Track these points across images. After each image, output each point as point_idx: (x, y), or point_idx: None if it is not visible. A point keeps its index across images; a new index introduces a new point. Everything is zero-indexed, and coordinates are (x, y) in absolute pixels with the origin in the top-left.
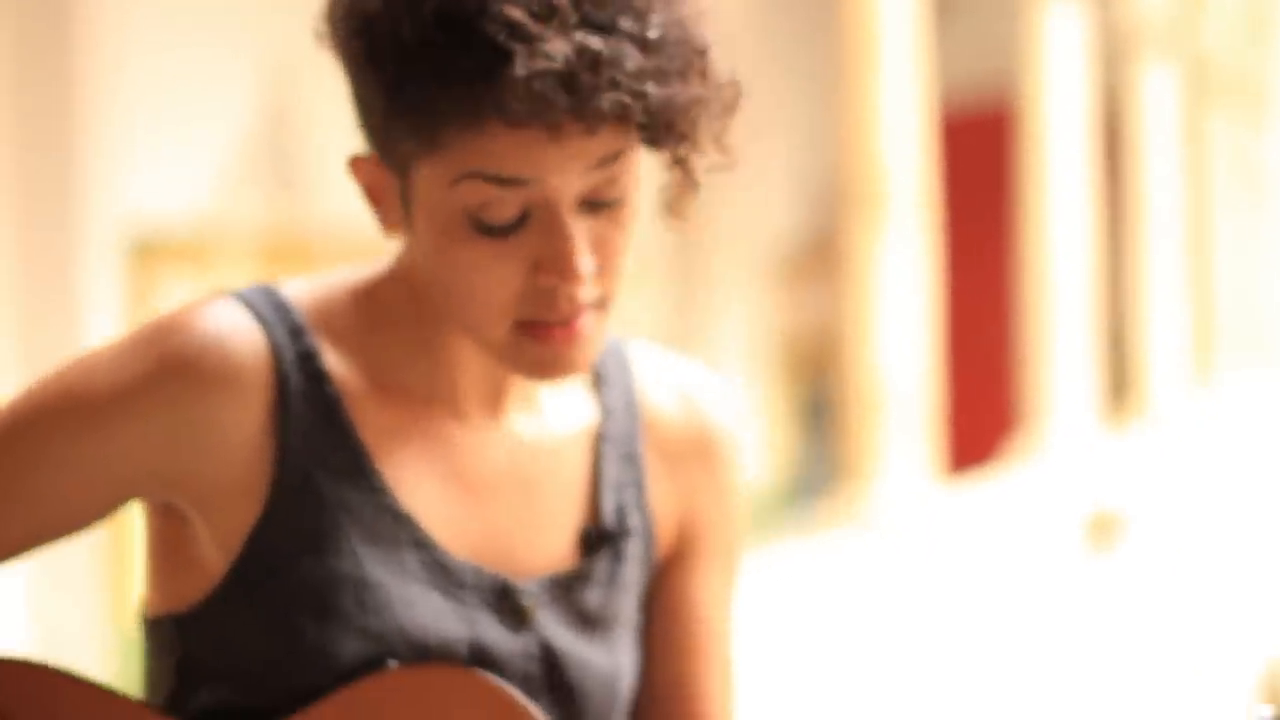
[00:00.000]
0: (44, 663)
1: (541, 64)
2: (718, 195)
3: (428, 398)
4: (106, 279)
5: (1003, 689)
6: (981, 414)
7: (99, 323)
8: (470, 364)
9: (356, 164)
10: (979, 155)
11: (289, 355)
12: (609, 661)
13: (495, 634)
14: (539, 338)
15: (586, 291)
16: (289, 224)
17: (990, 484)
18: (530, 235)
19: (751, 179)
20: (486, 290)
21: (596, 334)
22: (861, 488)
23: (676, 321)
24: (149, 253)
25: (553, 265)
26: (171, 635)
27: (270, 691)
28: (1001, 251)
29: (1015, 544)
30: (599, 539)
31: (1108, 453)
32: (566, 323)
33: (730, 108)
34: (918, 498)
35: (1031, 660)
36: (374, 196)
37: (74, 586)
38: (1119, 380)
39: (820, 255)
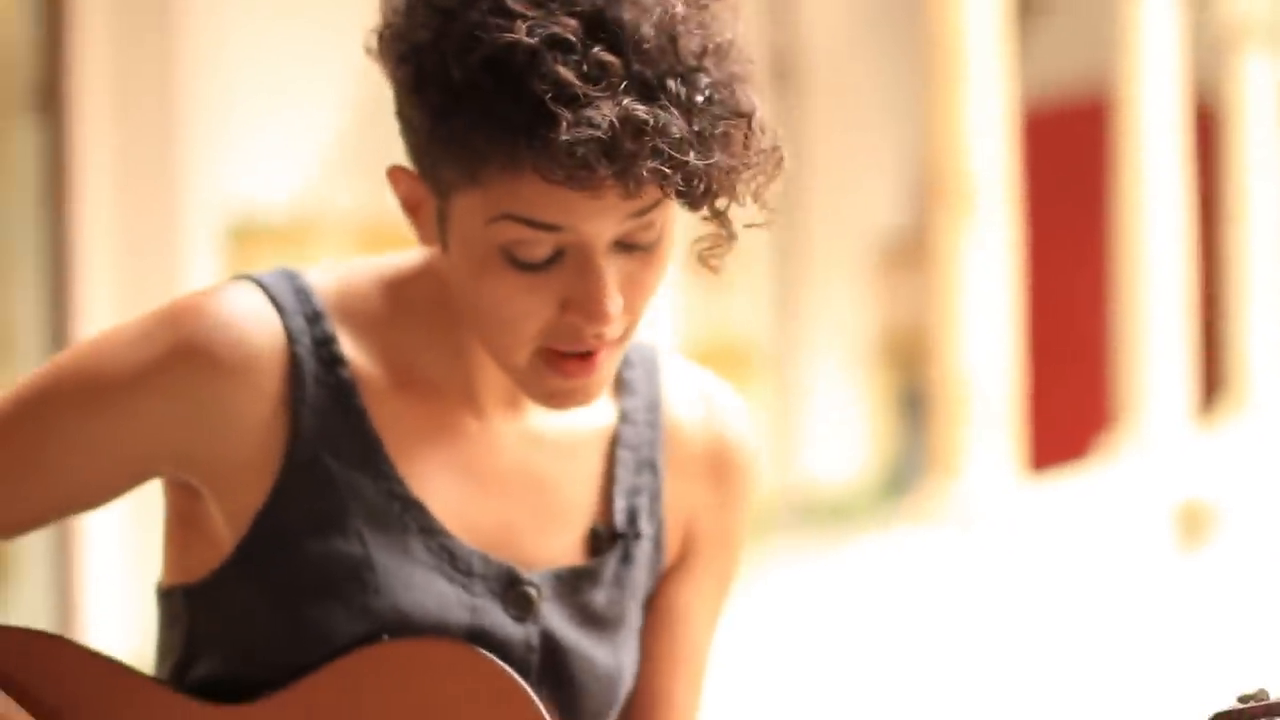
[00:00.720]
0: (46, 631)
1: (585, 132)
2: (819, 188)
3: (445, 390)
4: (206, 262)
5: (1091, 684)
6: (1074, 410)
7: None
8: (491, 362)
9: (395, 175)
10: (1074, 148)
11: (305, 340)
12: (612, 661)
13: (498, 621)
14: (557, 369)
15: (612, 330)
16: (384, 211)
17: (1081, 479)
18: (562, 273)
19: (853, 173)
20: (514, 320)
21: (610, 366)
22: (946, 484)
23: (778, 313)
24: (248, 237)
25: (582, 305)
26: (180, 606)
27: (270, 665)
28: (1097, 245)
29: (1105, 539)
30: (608, 539)
31: (1201, 447)
32: (586, 356)
33: (772, 175)
34: (1002, 494)
35: (1121, 655)
36: (411, 208)
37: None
38: (1216, 377)
39: (919, 248)
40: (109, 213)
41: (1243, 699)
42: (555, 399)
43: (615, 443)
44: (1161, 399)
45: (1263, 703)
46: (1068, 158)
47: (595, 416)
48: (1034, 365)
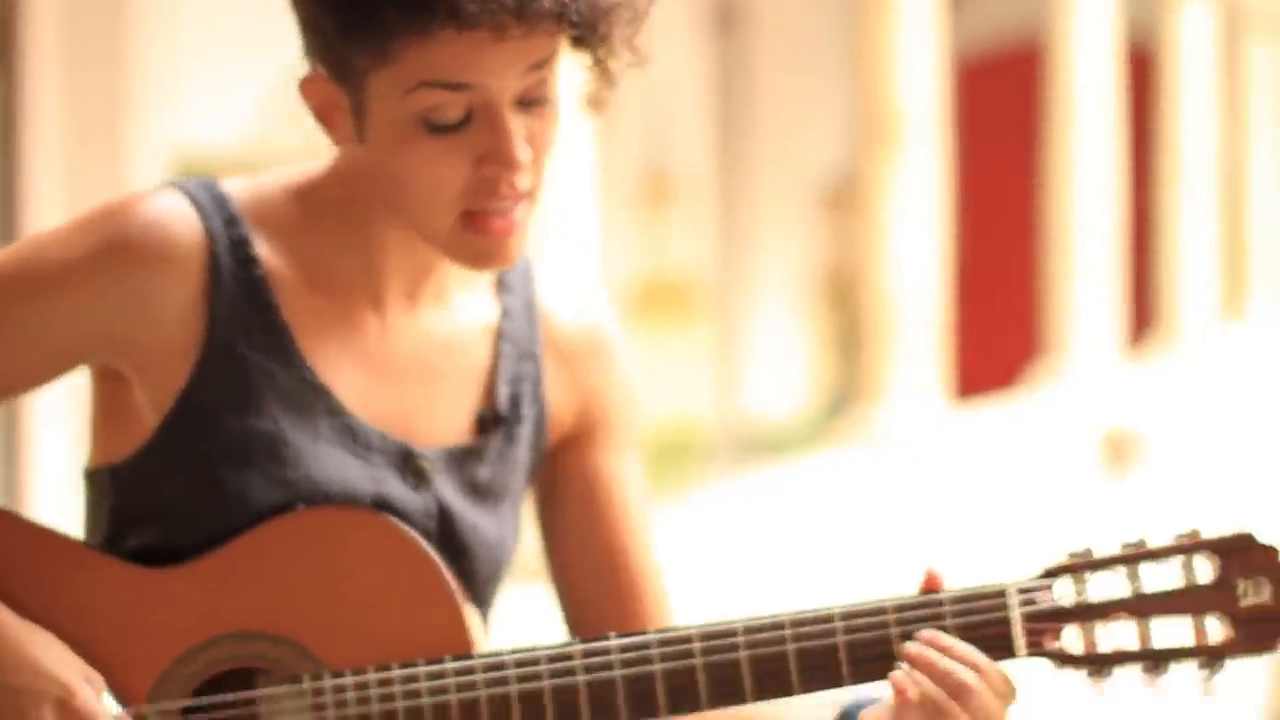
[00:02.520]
0: None
1: None
2: (763, 131)
3: (349, 287)
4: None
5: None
6: (1005, 341)
7: None
8: (391, 260)
9: (306, 86)
10: (1010, 92)
11: (222, 240)
12: (496, 529)
13: (398, 491)
14: (480, 229)
15: (522, 179)
16: (328, 155)
17: (1010, 407)
18: (474, 133)
19: (796, 115)
20: (437, 183)
21: (527, 224)
22: (874, 408)
23: (720, 252)
24: (192, 164)
25: (495, 156)
26: (108, 484)
27: (192, 535)
28: (1030, 183)
29: (1033, 464)
30: (493, 421)
31: (1128, 377)
32: (505, 213)
33: (643, 14)
34: (930, 419)
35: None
36: (324, 114)
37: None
38: (1145, 311)
39: (859, 188)
40: (58, 155)
41: (1071, 555)
42: (482, 259)
43: (499, 336)
44: (1090, 330)
45: (1088, 558)
46: (1004, 101)
47: (480, 314)
48: (965, 297)
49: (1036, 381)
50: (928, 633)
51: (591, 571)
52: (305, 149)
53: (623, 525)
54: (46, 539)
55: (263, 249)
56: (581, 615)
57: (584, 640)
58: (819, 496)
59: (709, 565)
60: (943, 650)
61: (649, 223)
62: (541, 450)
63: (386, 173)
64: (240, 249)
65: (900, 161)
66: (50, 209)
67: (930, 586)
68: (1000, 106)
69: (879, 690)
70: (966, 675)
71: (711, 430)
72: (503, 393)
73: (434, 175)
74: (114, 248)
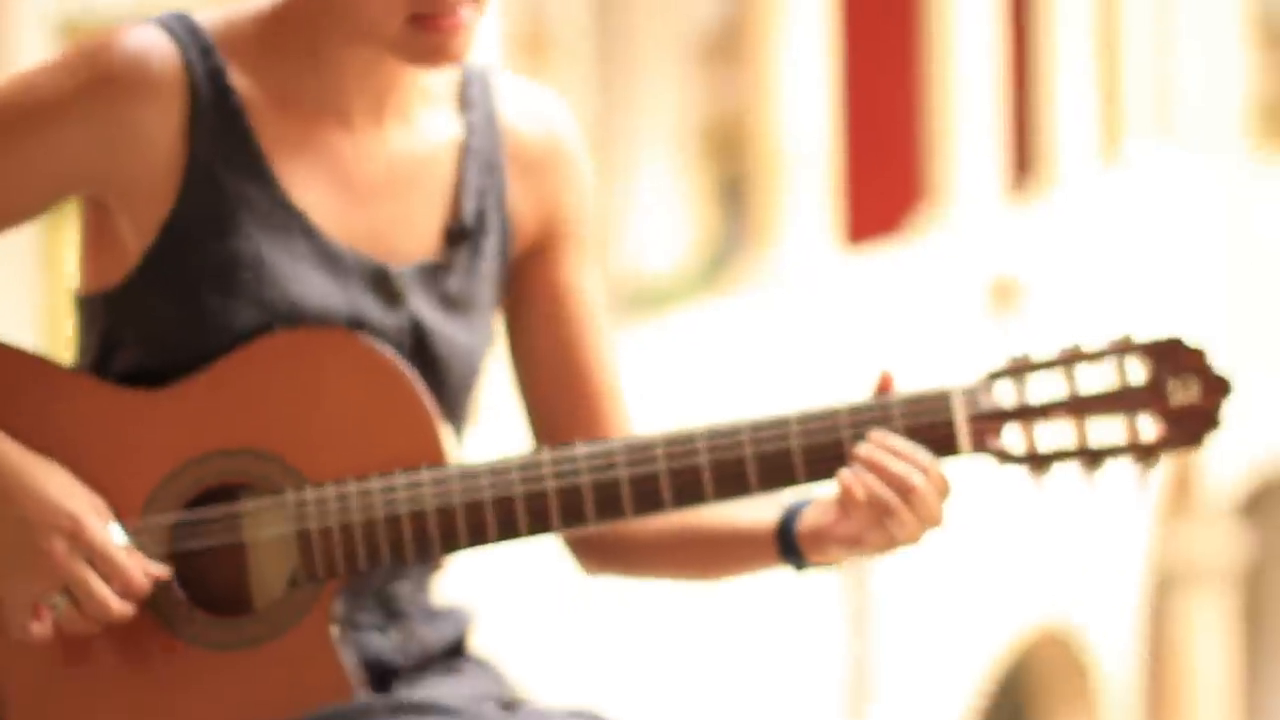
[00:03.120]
0: None
1: None
2: None
3: (319, 110)
4: (38, 56)
5: None
6: (891, 188)
7: None
8: (354, 80)
9: None
10: None
11: (199, 71)
12: (469, 339)
13: (372, 309)
14: (428, 28)
15: None
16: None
17: (896, 252)
18: None
19: None
20: None
21: (475, 26)
22: (765, 254)
23: (600, 106)
24: (77, 31)
25: None
26: (97, 310)
27: (178, 356)
28: (913, 28)
29: (920, 307)
30: (460, 235)
31: (1012, 223)
32: (451, 12)
33: None
34: (819, 263)
35: None
36: None
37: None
38: (1027, 157)
39: (738, 39)
40: None
41: (1011, 359)
42: (429, 55)
43: (464, 151)
44: (973, 177)
45: (1026, 362)
46: None
47: (444, 130)
48: (850, 145)
49: (924, 227)
50: (878, 434)
51: (555, 382)
52: (186, 4)
53: (587, 338)
54: (33, 363)
55: (237, 78)
56: (546, 425)
57: (552, 449)
58: (710, 344)
59: None
60: (892, 451)
61: (527, 76)
62: (507, 260)
63: None
64: (216, 78)
65: (787, 6)
66: None
67: (884, 388)
68: None
69: (818, 491)
70: (913, 476)
71: None
72: (468, 206)
73: None
74: (98, 81)
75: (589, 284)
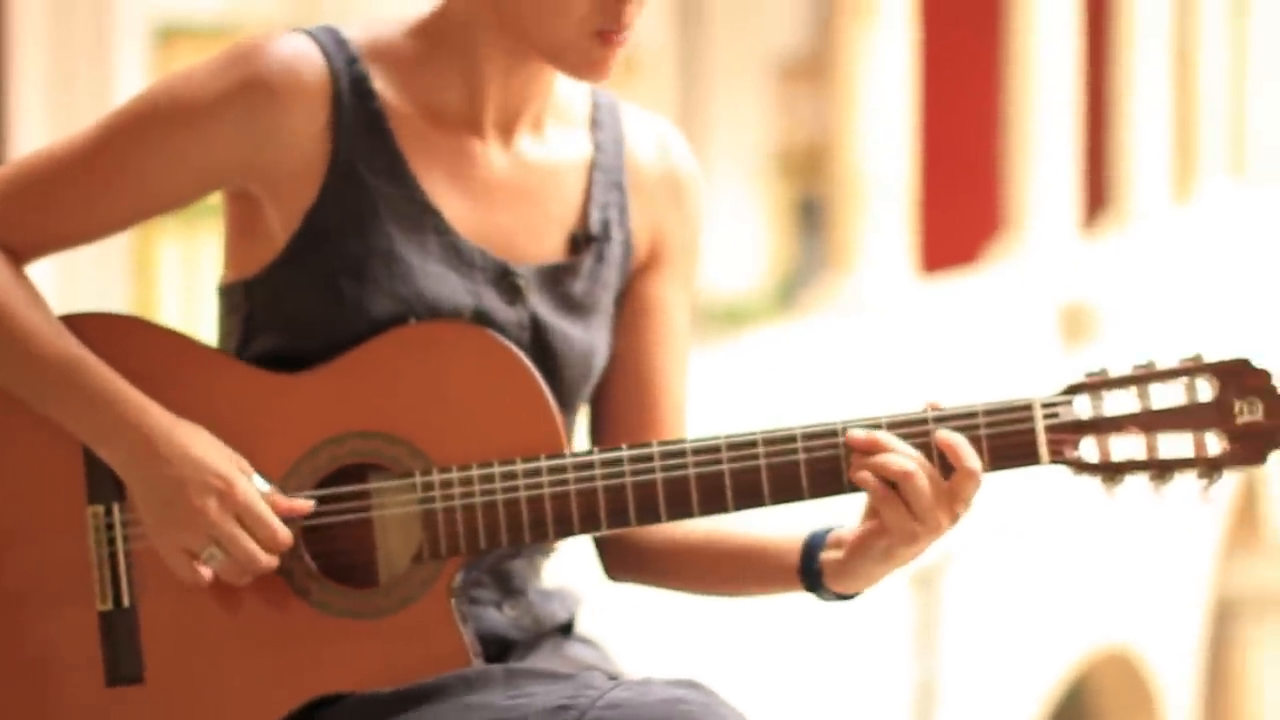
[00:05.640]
0: (122, 313)
1: None
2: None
3: (456, 118)
4: (135, 65)
5: None
6: (967, 217)
7: None
8: (491, 92)
9: None
10: None
11: (344, 78)
12: (586, 339)
13: (495, 305)
14: (604, 41)
15: (634, 10)
16: (308, 13)
17: (971, 280)
18: None
19: None
20: (570, 4)
21: (625, 49)
22: (840, 278)
23: (678, 127)
24: (174, 37)
25: None
26: (241, 297)
27: (314, 342)
28: (993, 58)
29: (994, 337)
30: (585, 241)
31: (1086, 253)
32: (622, 31)
33: None
34: (894, 289)
35: None
36: None
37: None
38: (1101, 188)
39: (818, 62)
40: (41, 18)
41: (1089, 374)
42: (596, 67)
43: (592, 167)
44: (1049, 207)
45: (1104, 377)
46: None
47: (576, 147)
48: (929, 174)
49: (997, 257)
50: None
51: (624, 389)
52: (282, 12)
53: (661, 352)
54: (181, 343)
55: (379, 84)
56: (606, 426)
57: (661, 444)
58: (783, 367)
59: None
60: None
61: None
62: (626, 272)
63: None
64: (360, 85)
65: (872, 32)
66: (34, 83)
67: None
68: None
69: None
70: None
71: None
72: (595, 216)
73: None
74: (252, 84)
75: (677, 304)
